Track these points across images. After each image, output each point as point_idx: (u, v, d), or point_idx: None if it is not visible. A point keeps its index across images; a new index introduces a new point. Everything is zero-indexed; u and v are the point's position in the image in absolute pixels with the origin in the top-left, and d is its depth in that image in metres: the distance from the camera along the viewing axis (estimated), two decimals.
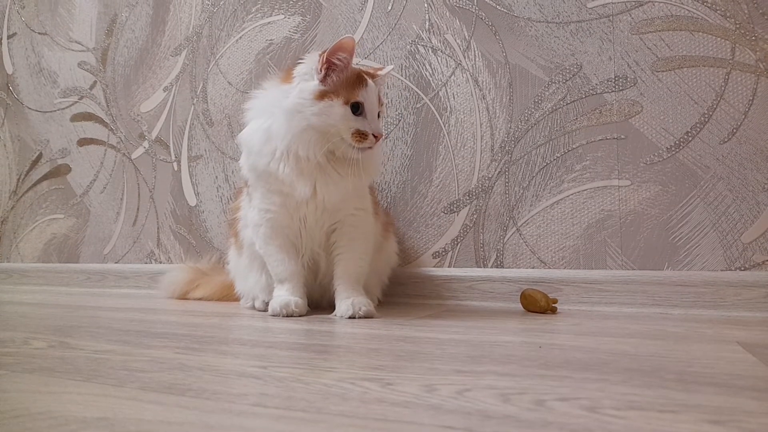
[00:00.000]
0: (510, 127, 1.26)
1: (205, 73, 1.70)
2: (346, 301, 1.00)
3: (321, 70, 0.97)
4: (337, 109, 0.96)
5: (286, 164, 0.98)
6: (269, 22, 1.60)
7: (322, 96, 0.96)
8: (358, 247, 1.05)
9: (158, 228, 1.74)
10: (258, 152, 1.00)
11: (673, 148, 1.12)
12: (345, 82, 0.97)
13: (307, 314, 1.03)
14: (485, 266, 1.27)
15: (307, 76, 0.98)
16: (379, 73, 1.06)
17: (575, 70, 1.21)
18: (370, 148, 0.98)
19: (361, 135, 0.96)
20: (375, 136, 0.97)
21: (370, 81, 1.00)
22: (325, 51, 0.97)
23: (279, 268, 1.04)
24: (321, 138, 0.97)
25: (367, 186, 1.08)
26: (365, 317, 0.98)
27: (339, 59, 0.97)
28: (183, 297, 1.43)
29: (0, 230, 2.10)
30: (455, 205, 1.31)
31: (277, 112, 0.98)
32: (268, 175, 1.00)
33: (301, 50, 1.53)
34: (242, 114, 1.08)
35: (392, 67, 1.11)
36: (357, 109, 0.97)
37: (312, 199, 1.00)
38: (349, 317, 0.98)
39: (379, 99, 1.02)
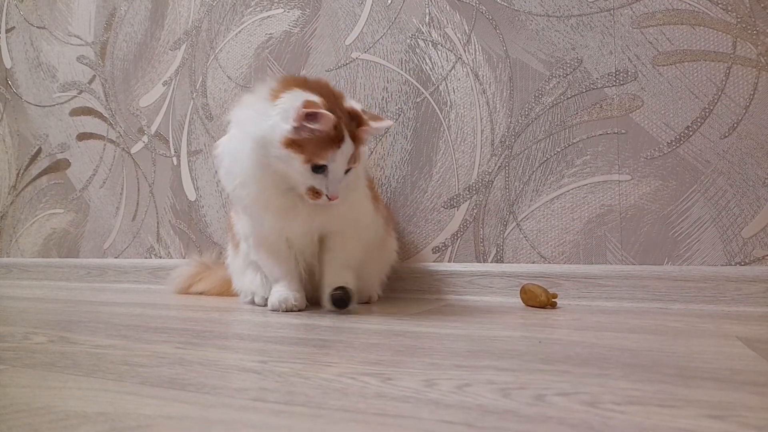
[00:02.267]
0: (510, 122, 1.26)
1: (205, 67, 1.69)
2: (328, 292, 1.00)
3: (295, 121, 0.88)
4: (297, 165, 0.90)
5: (249, 193, 0.94)
6: (269, 16, 1.59)
7: (289, 144, 0.89)
8: (348, 237, 1.03)
9: (158, 223, 1.74)
10: (227, 173, 0.97)
11: (673, 143, 1.12)
12: (315, 140, 0.89)
13: (305, 309, 1.04)
14: (485, 261, 1.27)
15: (286, 114, 0.89)
16: (372, 125, 0.95)
17: (576, 64, 1.20)
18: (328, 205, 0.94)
19: (314, 193, 0.92)
20: (329, 198, 0.92)
21: (346, 142, 0.91)
22: (311, 107, 0.87)
23: (273, 270, 1.05)
24: (279, 178, 0.93)
25: (350, 207, 1.01)
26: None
27: (311, 130, 0.89)
28: (186, 291, 1.43)
29: None
30: (455, 200, 1.31)
31: (248, 137, 0.92)
32: (237, 198, 0.98)
33: (300, 44, 1.53)
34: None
35: (390, 123, 1.00)
36: (320, 169, 0.91)
37: (282, 230, 0.98)
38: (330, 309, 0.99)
39: (355, 157, 0.94)
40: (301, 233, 1.00)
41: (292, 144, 0.89)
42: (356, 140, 0.94)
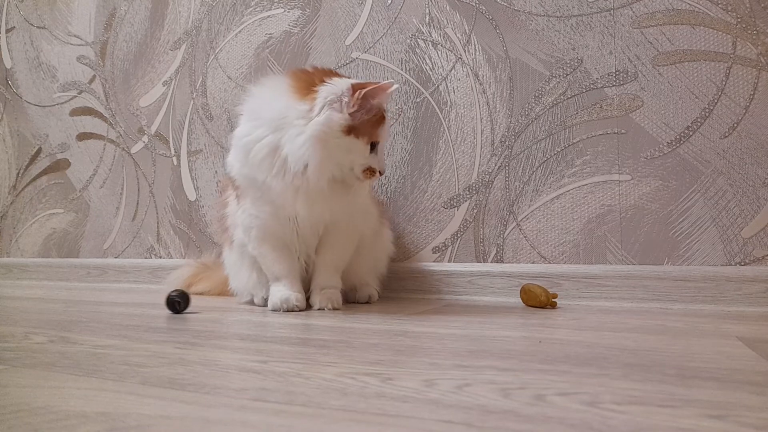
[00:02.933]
0: (510, 122, 1.26)
1: (205, 67, 1.69)
2: (317, 293, 1.05)
3: (354, 105, 0.94)
4: (361, 147, 0.97)
5: (283, 182, 0.96)
6: (269, 16, 1.59)
7: (349, 131, 0.94)
8: (345, 234, 1.08)
9: (158, 223, 1.74)
10: (257, 165, 0.97)
11: (673, 143, 1.12)
12: (370, 121, 0.97)
13: (305, 309, 1.04)
14: (485, 261, 1.27)
15: (335, 105, 0.94)
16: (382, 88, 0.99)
17: (576, 64, 1.20)
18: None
19: (371, 172, 0.99)
20: (380, 173, 1.00)
21: (387, 117, 1.01)
22: (362, 87, 0.94)
23: (274, 267, 1.05)
24: (336, 168, 0.97)
25: (359, 198, 1.07)
26: (335, 309, 1.04)
27: (366, 111, 0.95)
28: (186, 289, 1.43)
29: None
30: (455, 200, 1.31)
31: (292, 133, 0.94)
32: (264, 186, 0.98)
33: (300, 44, 1.53)
34: (239, 107, 1.06)
35: (396, 86, 1.02)
36: (373, 147, 0.99)
37: (309, 216, 1.00)
38: (318, 309, 1.03)
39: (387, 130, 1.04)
40: (317, 221, 1.03)
41: (352, 130, 0.95)
42: (385, 112, 1.01)
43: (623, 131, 1.16)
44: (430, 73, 1.35)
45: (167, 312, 1.00)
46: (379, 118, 0.99)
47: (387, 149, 1.38)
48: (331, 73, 1.00)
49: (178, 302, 0.99)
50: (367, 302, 1.17)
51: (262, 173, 0.97)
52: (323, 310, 1.02)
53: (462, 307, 1.08)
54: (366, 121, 0.96)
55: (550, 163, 1.22)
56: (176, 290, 1.01)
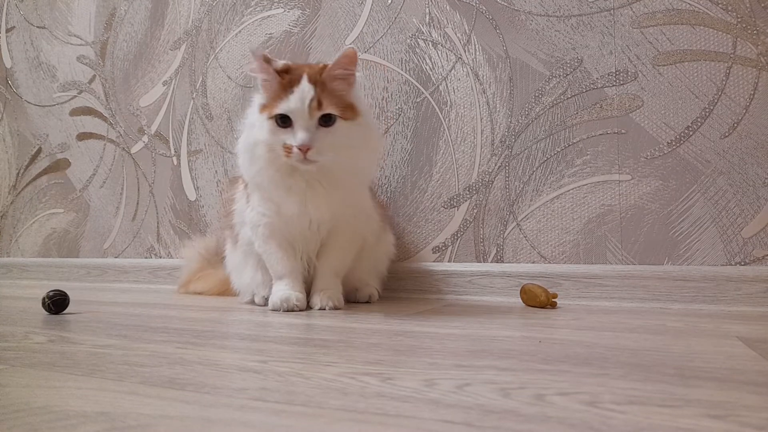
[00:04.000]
0: (510, 122, 1.26)
1: (205, 67, 1.69)
2: (318, 294, 1.05)
3: (260, 77, 0.97)
4: (265, 123, 0.94)
5: (270, 180, 0.98)
6: (269, 16, 1.59)
7: (262, 109, 0.96)
8: (343, 242, 1.07)
9: (158, 222, 1.74)
10: (247, 166, 1.01)
11: (673, 143, 1.12)
12: (273, 92, 0.94)
13: (306, 309, 1.04)
14: (485, 261, 1.27)
15: (257, 86, 0.99)
16: (327, 64, 0.95)
17: (576, 64, 1.20)
18: (310, 161, 0.91)
19: (287, 149, 0.92)
20: (300, 149, 0.89)
21: (302, 84, 0.91)
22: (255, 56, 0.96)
23: (278, 265, 1.05)
24: (271, 154, 0.95)
25: (359, 192, 1.07)
26: (334, 309, 1.03)
27: (258, 72, 0.96)
28: (186, 287, 1.43)
29: None
30: (455, 200, 1.31)
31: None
32: (261, 185, 1.01)
33: (300, 44, 1.53)
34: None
35: (347, 49, 0.94)
36: (285, 120, 0.92)
37: (303, 214, 1.00)
38: (319, 309, 1.03)
39: (321, 101, 0.90)
40: (317, 219, 1.02)
41: (263, 107, 0.95)
42: (317, 83, 0.92)
43: (623, 131, 1.16)
44: (430, 73, 1.35)
45: (51, 313, 0.98)
46: (279, 88, 0.92)
47: (387, 149, 1.38)
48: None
49: (56, 302, 0.97)
50: (367, 302, 1.17)
51: (251, 172, 1.00)
52: (324, 309, 1.02)
53: (462, 307, 1.08)
54: (270, 93, 0.94)
55: (550, 162, 1.22)
56: (57, 290, 0.99)
